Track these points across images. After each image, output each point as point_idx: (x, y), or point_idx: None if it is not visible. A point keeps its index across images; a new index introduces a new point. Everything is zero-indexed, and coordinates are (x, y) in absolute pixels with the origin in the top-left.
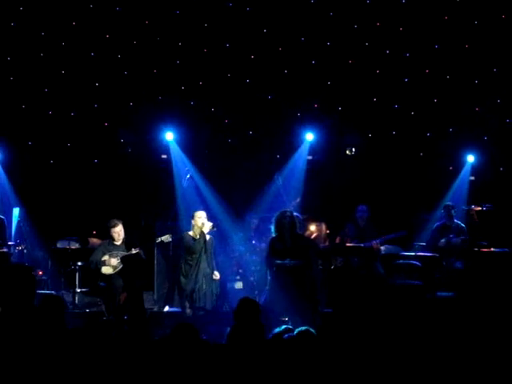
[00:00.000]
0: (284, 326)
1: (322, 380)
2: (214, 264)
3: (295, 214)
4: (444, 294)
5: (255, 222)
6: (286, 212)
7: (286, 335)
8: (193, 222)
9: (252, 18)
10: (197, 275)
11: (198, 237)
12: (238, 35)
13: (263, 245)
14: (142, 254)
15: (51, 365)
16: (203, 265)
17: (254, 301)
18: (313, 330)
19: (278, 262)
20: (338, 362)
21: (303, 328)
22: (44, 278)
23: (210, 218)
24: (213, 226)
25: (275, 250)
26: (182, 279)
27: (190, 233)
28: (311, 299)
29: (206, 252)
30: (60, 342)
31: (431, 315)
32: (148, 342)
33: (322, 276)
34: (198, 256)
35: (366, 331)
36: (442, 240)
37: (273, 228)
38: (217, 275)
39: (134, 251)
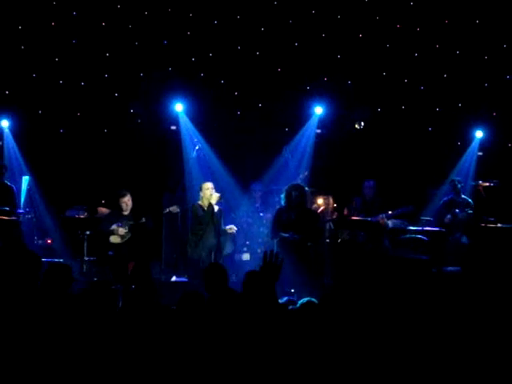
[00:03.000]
0: (286, 298)
1: (325, 350)
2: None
3: (305, 187)
4: (450, 268)
5: (259, 189)
6: (296, 185)
7: (290, 307)
8: (201, 193)
9: None
10: (203, 245)
11: (206, 208)
12: (248, 7)
13: (269, 216)
14: (149, 223)
15: (55, 333)
16: (210, 235)
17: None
18: (315, 300)
19: (282, 234)
20: (340, 333)
21: (305, 299)
22: (53, 246)
23: (217, 189)
24: (220, 197)
25: (280, 220)
26: (189, 249)
27: (200, 203)
28: (316, 272)
29: (213, 223)
30: (64, 309)
31: (437, 289)
32: (155, 311)
33: (327, 249)
34: (205, 227)
35: (371, 304)
36: (448, 216)
37: (282, 198)
38: (233, 228)
39: (143, 220)
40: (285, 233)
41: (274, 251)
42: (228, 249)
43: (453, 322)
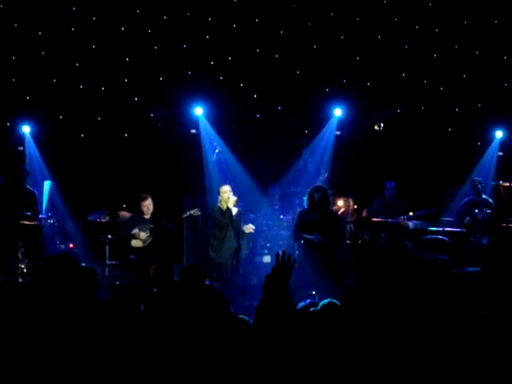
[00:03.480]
0: (309, 300)
1: (346, 352)
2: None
3: (328, 189)
4: (471, 269)
5: (276, 192)
6: (319, 187)
7: (312, 309)
8: (219, 196)
9: None
10: (224, 248)
11: (224, 211)
12: (267, 10)
13: (289, 218)
14: (169, 225)
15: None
16: (230, 238)
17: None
18: (336, 301)
19: (306, 236)
20: (362, 334)
21: (326, 301)
22: (75, 250)
23: (237, 192)
24: (236, 201)
25: (303, 222)
26: (210, 252)
27: (219, 206)
28: (338, 274)
29: (233, 226)
30: (91, 314)
31: (458, 290)
32: (177, 313)
33: (348, 251)
34: (225, 230)
35: (392, 305)
36: (467, 217)
37: (305, 200)
38: (250, 227)
39: (164, 223)
40: (309, 235)
41: (296, 253)
42: (244, 251)
43: (473, 322)
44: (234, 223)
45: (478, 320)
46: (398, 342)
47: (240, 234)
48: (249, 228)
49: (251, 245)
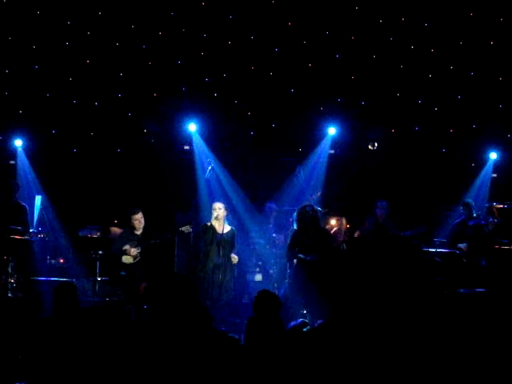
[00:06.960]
0: (300, 320)
1: (338, 371)
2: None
3: (316, 207)
4: (464, 290)
5: (274, 209)
6: (306, 206)
7: (306, 328)
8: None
9: (276, 10)
10: (207, 264)
11: (210, 228)
12: (262, 28)
13: (282, 237)
14: (165, 237)
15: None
16: (213, 255)
17: (274, 294)
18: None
19: (301, 256)
20: (349, 351)
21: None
22: (65, 266)
23: (230, 209)
24: (216, 217)
25: (299, 242)
26: (198, 269)
27: (208, 223)
28: (331, 293)
29: (217, 243)
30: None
31: (450, 311)
32: (162, 331)
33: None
34: (209, 246)
35: (382, 325)
36: (464, 244)
37: (294, 223)
38: (235, 258)
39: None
40: (303, 254)
41: (288, 272)
42: (228, 275)
43: (465, 343)
44: (218, 240)
45: (469, 340)
46: (385, 358)
47: (228, 253)
48: (234, 258)
49: (236, 273)
